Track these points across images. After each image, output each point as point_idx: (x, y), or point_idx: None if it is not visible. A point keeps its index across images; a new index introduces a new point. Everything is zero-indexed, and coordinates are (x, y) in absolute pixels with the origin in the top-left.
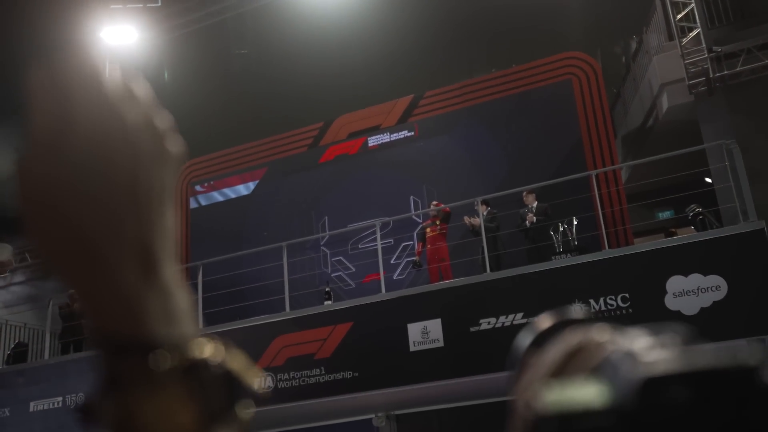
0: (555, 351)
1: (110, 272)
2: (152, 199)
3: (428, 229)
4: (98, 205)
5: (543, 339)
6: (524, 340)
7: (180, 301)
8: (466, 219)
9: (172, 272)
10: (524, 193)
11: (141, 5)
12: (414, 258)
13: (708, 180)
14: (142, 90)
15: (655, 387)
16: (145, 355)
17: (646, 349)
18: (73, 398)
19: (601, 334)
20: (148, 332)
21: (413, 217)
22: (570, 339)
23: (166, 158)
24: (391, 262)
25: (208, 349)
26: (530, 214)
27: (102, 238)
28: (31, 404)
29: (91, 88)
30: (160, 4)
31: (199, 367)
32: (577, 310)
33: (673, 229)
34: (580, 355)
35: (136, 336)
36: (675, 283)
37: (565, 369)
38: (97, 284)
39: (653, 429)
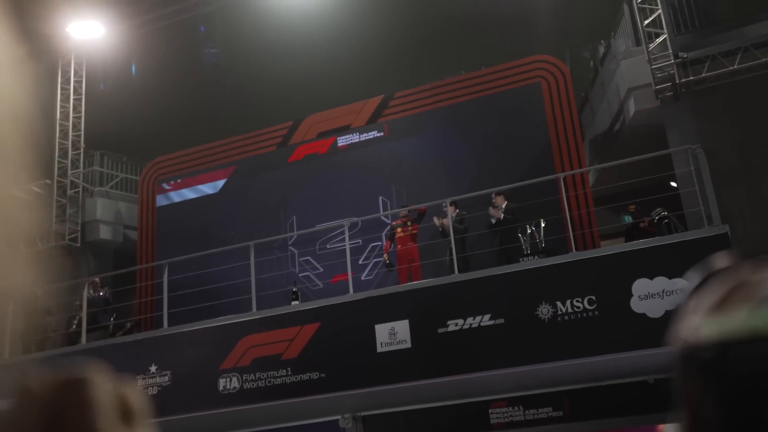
0: (714, 290)
1: None
2: None
3: (398, 230)
4: None
5: (705, 281)
6: (690, 283)
7: None
8: (437, 220)
9: None
10: (493, 195)
11: None
12: (383, 258)
13: (673, 184)
14: (140, 406)
15: None
16: None
17: None
18: None
19: (758, 272)
20: None
21: (382, 217)
22: (727, 277)
23: None
24: (360, 262)
25: None
26: (494, 209)
27: None
28: None
29: (83, 414)
30: None
31: None
32: (729, 255)
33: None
34: (740, 290)
35: None
36: (641, 286)
37: (725, 305)
38: None
39: None
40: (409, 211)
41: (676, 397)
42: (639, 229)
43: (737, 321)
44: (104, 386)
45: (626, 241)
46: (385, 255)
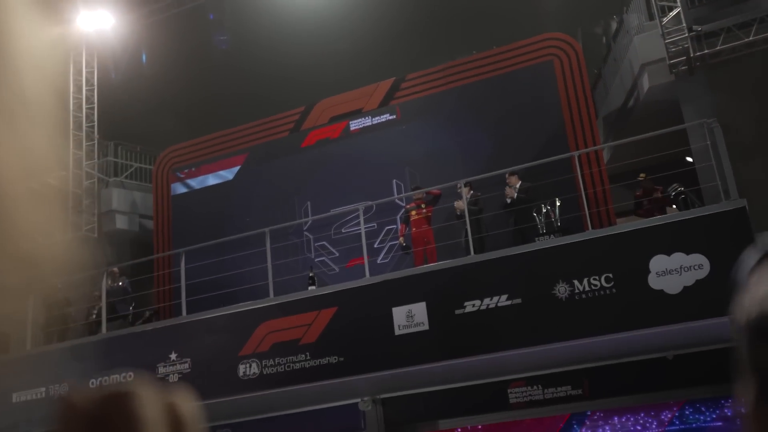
0: None
1: None
2: None
3: (413, 212)
4: None
5: (761, 263)
6: (750, 258)
7: None
8: (457, 203)
9: None
10: (507, 175)
11: None
12: (398, 241)
13: (689, 159)
14: (191, 416)
15: None
16: None
17: None
18: (57, 388)
19: None
20: None
21: (396, 200)
22: None
23: None
24: (375, 246)
25: None
26: (509, 188)
27: None
28: (14, 395)
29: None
30: None
31: None
32: None
33: (643, 175)
34: None
35: None
36: (658, 263)
37: None
38: None
39: None
40: (424, 194)
41: (741, 366)
42: (651, 200)
43: None
44: (151, 400)
45: (635, 212)
46: (401, 238)
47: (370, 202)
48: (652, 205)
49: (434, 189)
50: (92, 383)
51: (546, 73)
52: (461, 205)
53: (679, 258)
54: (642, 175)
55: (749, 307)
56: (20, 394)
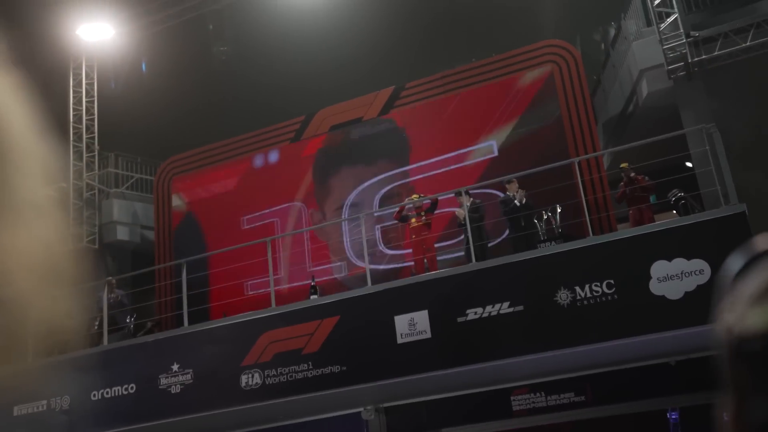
0: (759, 277)
1: None
2: None
3: (413, 220)
4: None
5: (746, 268)
6: (733, 266)
7: None
8: (458, 212)
9: None
10: (506, 183)
11: None
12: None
13: (689, 164)
14: None
15: None
16: None
17: None
18: (58, 401)
19: None
20: None
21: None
22: None
23: None
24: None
25: None
26: (520, 191)
27: None
28: (15, 408)
29: None
30: None
31: None
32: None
33: (624, 164)
34: None
35: None
36: (659, 268)
37: None
38: None
39: None
40: (421, 201)
41: (722, 382)
42: (633, 189)
43: None
44: None
45: (618, 199)
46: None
47: (370, 211)
48: (636, 194)
49: (431, 197)
50: (93, 396)
51: (546, 79)
52: (462, 213)
53: (680, 263)
54: (624, 164)
55: (730, 323)
56: (21, 407)
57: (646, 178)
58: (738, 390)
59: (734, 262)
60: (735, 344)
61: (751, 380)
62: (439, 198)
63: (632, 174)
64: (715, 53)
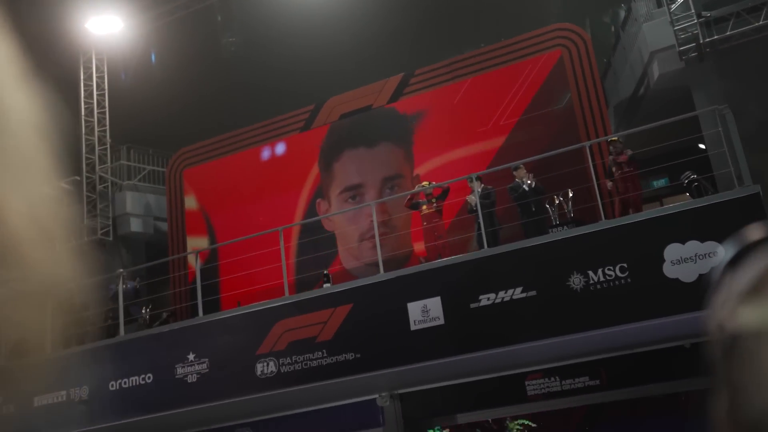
0: (751, 270)
1: None
2: None
3: (424, 207)
4: None
5: (738, 259)
6: (723, 260)
7: None
8: (469, 197)
9: None
10: (513, 171)
11: None
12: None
13: (702, 146)
14: None
15: None
16: None
17: None
18: (77, 391)
19: None
20: None
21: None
22: (764, 255)
23: None
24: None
25: None
26: (528, 175)
27: None
28: (35, 399)
29: None
30: None
31: None
32: (764, 226)
33: (614, 138)
34: None
35: None
36: (672, 251)
37: (763, 288)
38: None
39: None
40: (432, 189)
41: (714, 377)
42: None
43: None
44: None
45: (606, 176)
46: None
47: (382, 199)
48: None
49: (440, 186)
50: (111, 386)
51: (555, 63)
52: (473, 199)
53: (693, 246)
54: (614, 138)
55: (722, 319)
56: (41, 397)
57: (628, 151)
58: (731, 386)
59: (726, 253)
60: (728, 341)
61: (744, 376)
62: (449, 184)
63: (621, 148)
64: (727, 33)
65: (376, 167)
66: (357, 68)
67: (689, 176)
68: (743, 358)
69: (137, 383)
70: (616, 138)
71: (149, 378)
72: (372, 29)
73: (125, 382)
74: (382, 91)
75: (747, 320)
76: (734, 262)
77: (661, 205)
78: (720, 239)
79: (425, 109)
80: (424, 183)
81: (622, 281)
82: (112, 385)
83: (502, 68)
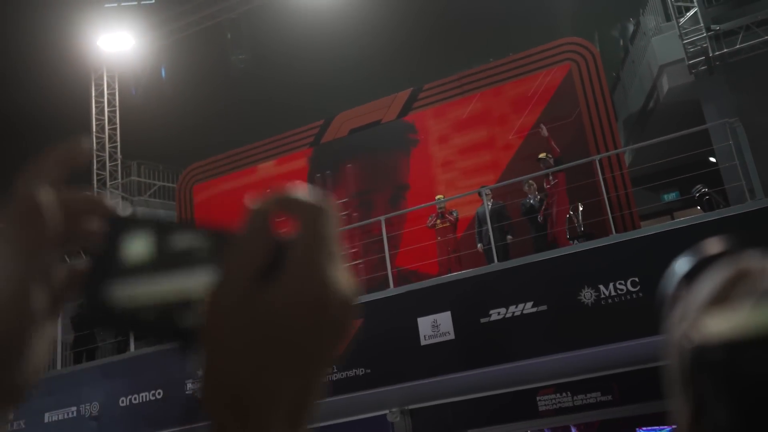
0: (713, 279)
1: (258, 428)
2: (321, 365)
3: (438, 221)
4: (269, 361)
5: (694, 273)
6: (676, 273)
7: None
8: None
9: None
10: (525, 187)
11: (135, 2)
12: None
13: (712, 159)
14: (342, 253)
15: None
16: None
17: None
18: (87, 407)
19: (760, 261)
20: None
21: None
22: (727, 268)
23: (346, 331)
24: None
25: None
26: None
27: (261, 393)
28: (46, 415)
29: (310, 245)
30: (154, 2)
31: None
32: (721, 243)
33: (543, 154)
34: (743, 281)
35: None
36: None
37: (728, 297)
38: None
39: None
40: (445, 204)
41: (675, 394)
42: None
43: (746, 317)
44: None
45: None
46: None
47: (391, 214)
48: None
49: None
50: (122, 402)
51: (564, 77)
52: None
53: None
54: (542, 154)
55: (686, 332)
56: (52, 414)
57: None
58: (695, 402)
59: (680, 267)
60: (694, 354)
61: (710, 391)
62: (459, 196)
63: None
64: (737, 47)
65: (384, 177)
66: (366, 83)
67: (700, 190)
68: (711, 371)
69: (147, 399)
70: (544, 155)
71: (159, 394)
72: (380, 44)
73: (135, 398)
74: (391, 106)
75: (713, 331)
76: (690, 277)
77: (672, 218)
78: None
79: (436, 126)
80: (439, 197)
81: (634, 295)
82: (122, 401)
83: (512, 82)
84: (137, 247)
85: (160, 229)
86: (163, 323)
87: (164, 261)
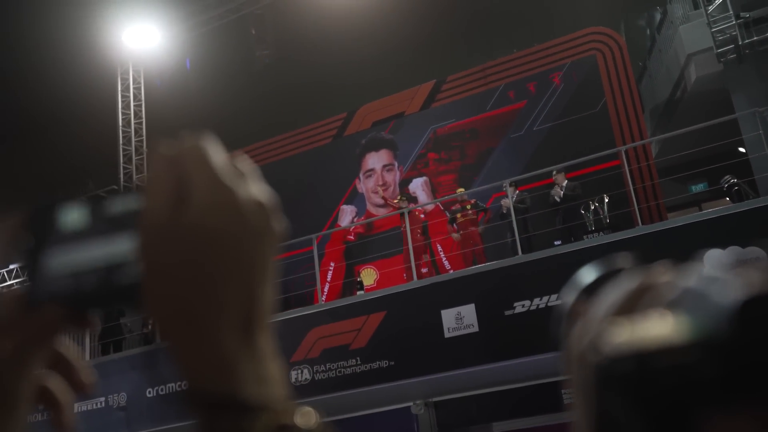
0: (617, 292)
1: (210, 336)
2: (256, 270)
3: (459, 215)
4: (205, 274)
5: (593, 288)
6: (572, 289)
7: (273, 365)
8: (504, 202)
9: (267, 339)
10: (554, 173)
11: None
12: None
13: (742, 150)
14: (251, 171)
15: (756, 309)
16: (239, 415)
17: (734, 274)
18: (116, 398)
19: (665, 273)
20: (242, 393)
21: (440, 204)
22: (631, 280)
23: (270, 235)
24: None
25: (299, 415)
26: (557, 187)
27: (205, 304)
28: (75, 406)
29: (206, 168)
30: None
31: (291, 430)
32: (623, 259)
33: (461, 190)
34: (648, 293)
35: (231, 396)
36: (713, 257)
37: (633, 308)
38: (197, 346)
39: (755, 357)
40: (466, 196)
41: (575, 402)
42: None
43: (653, 328)
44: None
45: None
46: (454, 234)
47: (413, 206)
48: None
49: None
50: (149, 392)
51: (590, 68)
52: (507, 203)
53: (734, 251)
54: (460, 189)
55: (592, 344)
56: (81, 404)
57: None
58: (601, 419)
59: (580, 279)
60: (603, 366)
61: (619, 405)
62: (482, 187)
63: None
64: (767, 34)
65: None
66: (389, 76)
67: (729, 180)
68: (621, 384)
69: (174, 390)
70: (462, 190)
71: (185, 385)
72: (403, 37)
73: (162, 389)
74: (415, 98)
75: (622, 342)
76: (590, 290)
77: (700, 210)
78: (762, 244)
79: (461, 117)
80: (459, 190)
81: None
82: (149, 392)
83: (536, 72)
84: (70, 218)
85: (91, 201)
86: (105, 285)
87: (98, 228)
